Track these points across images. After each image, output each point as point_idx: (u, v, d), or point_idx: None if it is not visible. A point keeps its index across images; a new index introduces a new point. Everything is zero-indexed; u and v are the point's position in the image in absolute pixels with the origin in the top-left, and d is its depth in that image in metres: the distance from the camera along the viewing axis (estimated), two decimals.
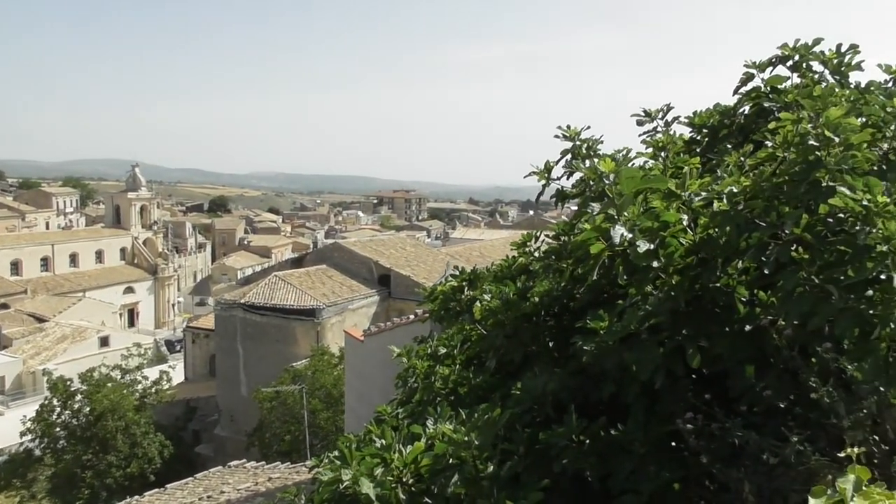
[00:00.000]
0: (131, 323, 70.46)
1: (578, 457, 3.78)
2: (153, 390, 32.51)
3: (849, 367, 3.10)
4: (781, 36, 5.67)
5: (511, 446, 4.12)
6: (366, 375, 14.42)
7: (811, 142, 3.44)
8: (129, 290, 72.04)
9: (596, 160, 4.05)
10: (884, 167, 4.23)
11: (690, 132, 5.73)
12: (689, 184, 3.89)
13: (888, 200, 3.10)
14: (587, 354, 4.26)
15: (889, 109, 4.25)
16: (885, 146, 4.31)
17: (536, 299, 5.06)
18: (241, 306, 33.31)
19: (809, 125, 3.53)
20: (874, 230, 3.01)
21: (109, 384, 30.73)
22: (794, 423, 3.36)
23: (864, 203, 3.08)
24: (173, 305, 76.09)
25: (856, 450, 1.68)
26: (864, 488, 1.49)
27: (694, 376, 3.84)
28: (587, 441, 3.82)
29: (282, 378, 27.54)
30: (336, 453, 3.50)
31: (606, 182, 3.66)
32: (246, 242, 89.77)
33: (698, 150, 5.47)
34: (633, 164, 5.25)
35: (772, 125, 3.89)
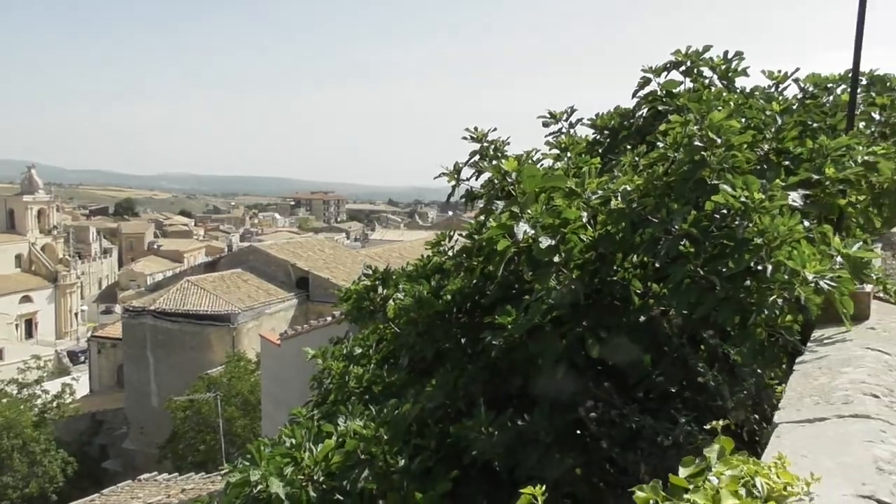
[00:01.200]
0: (29, 334, 66.49)
1: (487, 448, 3.90)
2: (54, 404, 30.83)
3: (731, 351, 3.34)
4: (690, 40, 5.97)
5: (423, 441, 4.20)
6: (283, 380, 14.19)
7: (696, 143, 3.67)
8: (27, 298, 67.95)
9: (502, 161, 4.17)
10: (764, 166, 4.55)
11: (593, 133, 5.97)
12: (588, 183, 4.07)
13: (763, 197, 3.36)
14: (496, 349, 4.39)
15: (768, 112, 4.57)
16: (766, 147, 4.64)
17: (449, 297, 5.16)
18: (150, 313, 32.06)
19: (695, 127, 3.77)
20: (751, 225, 3.25)
21: (4, 400, 28.96)
22: (685, 407, 3.59)
23: (743, 200, 3.32)
24: (76, 314, 72.32)
25: (721, 422, 1.82)
26: (727, 456, 1.63)
27: (600, 368, 4.04)
28: (496, 433, 3.94)
29: (196, 386, 26.68)
30: (248, 456, 3.48)
31: (509, 181, 3.78)
32: (156, 247, 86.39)
33: (600, 150, 5.72)
34: (543, 164, 5.45)
35: (662, 127, 4.12)
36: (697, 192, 3.64)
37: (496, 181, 3.95)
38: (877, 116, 5.96)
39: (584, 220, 3.91)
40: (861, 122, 5.93)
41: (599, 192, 3.81)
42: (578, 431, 4.00)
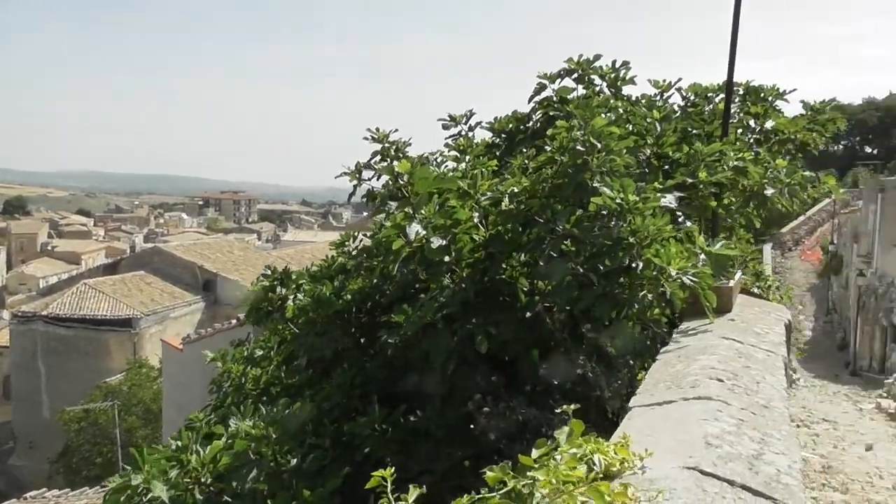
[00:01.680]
0: None
1: (380, 445, 3.97)
2: None
3: (607, 344, 3.55)
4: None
5: (319, 440, 4.23)
6: (186, 385, 13.77)
7: (579, 147, 3.87)
8: None
9: (396, 162, 4.25)
10: (646, 170, 4.83)
11: (492, 137, 6.14)
12: (480, 184, 4.21)
13: (637, 199, 3.58)
14: (391, 347, 4.46)
15: (649, 120, 4.85)
16: (648, 151, 4.93)
17: (349, 297, 5.19)
18: (42, 319, 30.21)
19: (579, 133, 3.96)
20: (625, 225, 3.46)
21: None
22: (567, 398, 3.77)
23: (618, 201, 3.53)
24: None
25: (571, 406, 1.96)
26: (573, 438, 1.77)
27: (491, 363, 4.17)
28: (389, 429, 4.02)
29: (92, 395, 25.36)
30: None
31: (402, 182, 3.87)
32: (50, 248, 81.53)
33: (498, 153, 5.89)
34: (446, 165, 5.56)
35: (550, 132, 4.31)
36: (579, 194, 3.83)
37: (390, 182, 4.03)
38: (752, 124, 6.41)
39: (476, 220, 4.04)
40: (738, 129, 6.37)
41: (489, 193, 3.94)
42: (472, 426, 4.13)
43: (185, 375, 13.75)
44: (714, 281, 3.27)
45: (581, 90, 5.75)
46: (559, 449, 1.70)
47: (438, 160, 5.56)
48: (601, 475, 1.63)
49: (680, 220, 5.58)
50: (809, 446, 7.92)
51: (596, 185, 3.79)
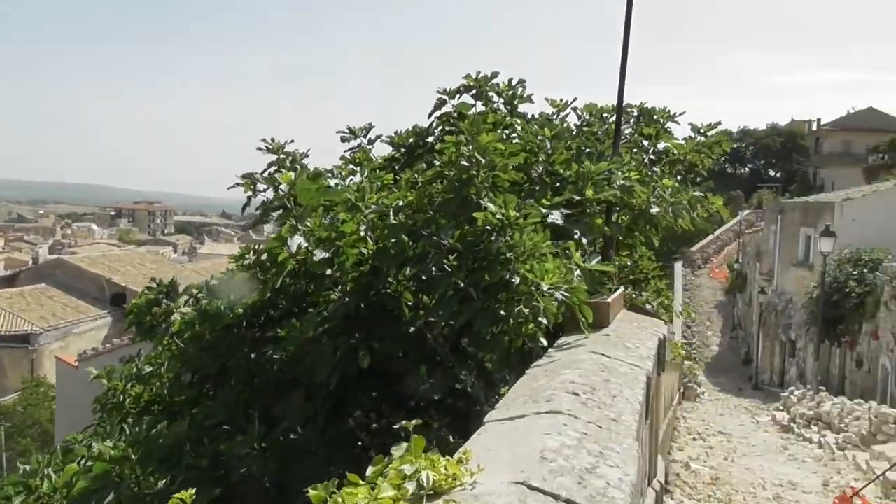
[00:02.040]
0: None
1: (259, 464, 3.84)
2: None
3: (486, 359, 3.56)
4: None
5: (197, 460, 4.06)
6: (82, 405, 13.06)
7: (464, 162, 3.89)
8: None
9: (278, 174, 4.16)
10: (536, 186, 4.91)
11: (392, 150, 6.12)
12: (368, 197, 4.17)
13: (518, 215, 3.62)
14: (278, 362, 4.34)
15: (540, 137, 4.93)
16: (541, 168, 5.01)
17: (241, 310, 5.03)
18: None
19: (465, 148, 3.99)
20: (505, 240, 3.49)
21: None
22: (449, 413, 3.76)
23: (499, 217, 3.56)
24: None
25: (413, 422, 1.94)
26: (405, 454, 1.74)
27: (377, 377, 4.11)
28: (269, 448, 3.90)
29: None
30: None
31: (282, 193, 3.79)
32: None
33: (397, 167, 5.87)
34: (352, 179, 5.49)
35: (438, 146, 4.32)
36: (464, 209, 3.85)
37: (277, 194, 3.94)
38: (646, 144, 6.64)
39: (363, 233, 4.00)
40: (633, 149, 6.58)
41: (373, 206, 3.91)
42: (360, 443, 4.05)
43: (80, 394, 13.03)
44: (586, 296, 3.33)
45: (480, 106, 5.81)
46: (390, 466, 1.66)
47: (343, 173, 5.50)
48: (429, 492, 1.60)
49: (576, 236, 5.70)
50: (702, 458, 8.21)
51: (481, 200, 3.82)
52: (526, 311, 3.35)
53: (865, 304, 19.60)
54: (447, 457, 1.83)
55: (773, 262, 29.17)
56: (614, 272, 4.18)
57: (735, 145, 63.14)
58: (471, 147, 3.96)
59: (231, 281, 5.85)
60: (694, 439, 9.66)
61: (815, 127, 59.71)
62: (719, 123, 6.32)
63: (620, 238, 7.12)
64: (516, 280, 3.36)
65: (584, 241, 5.65)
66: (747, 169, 63.30)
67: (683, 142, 6.37)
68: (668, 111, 6.38)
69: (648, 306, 7.06)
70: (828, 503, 6.14)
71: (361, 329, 3.86)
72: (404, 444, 1.80)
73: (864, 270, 19.82)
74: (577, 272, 3.47)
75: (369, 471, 1.73)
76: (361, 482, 1.63)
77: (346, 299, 3.83)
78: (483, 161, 3.88)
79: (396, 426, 3.16)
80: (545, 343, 3.50)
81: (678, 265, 42.67)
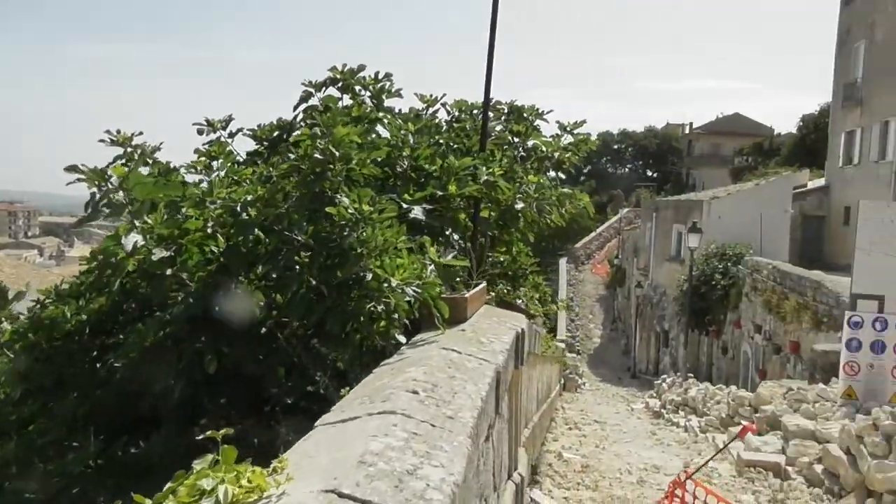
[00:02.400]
0: None
1: (95, 483, 3.54)
2: None
3: (338, 358, 3.43)
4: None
5: (22, 484, 3.70)
6: None
7: (318, 155, 3.74)
8: None
9: (110, 167, 3.84)
10: (399, 182, 4.83)
11: (256, 144, 5.87)
12: (217, 192, 3.93)
13: (372, 209, 3.51)
14: (120, 371, 4.03)
15: (403, 131, 4.86)
16: (406, 163, 4.93)
17: (84, 316, 4.64)
18: None
19: (320, 141, 3.84)
20: (357, 235, 3.37)
21: None
22: (306, 416, 3.59)
23: (352, 212, 3.44)
24: None
25: (220, 432, 1.80)
26: (205, 468, 1.60)
27: (231, 382, 3.88)
28: (106, 464, 3.60)
29: None
30: None
31: (112, 186, 3.50)
32: None
33: (260, 161, 5.63)
34: (217, 175, 5.18)
35: (292, 138, 4.15)
36: (317, 204, 3.70)
37: (103, 188, 3.63)
38: (516, 141, 6.72)
39: (210, 230, 3.77)
40: (504, 145, 6.64)
41: (219, 201, 3.68)
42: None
43: None
44: (439, 292, 3.27)
45: (348, 100, 5.67)
46: (184, 482, 1.51)
47: (198, 168, 5.19)
48: None
49: (448, 233, 5.66)
50: (575, 447, 8.45)
51: (335, 195, 3.69)
52: (379, 307, 3.26)
53: (729, 295, 20.99)
54: (258, 468, 1.71)
55: (649, 258, 30.72)
56: (472, 267, 4.16)
57: (616, 146, 66.36)
58: (326, 140, 3.82)
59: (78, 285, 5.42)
60: (570, 429, 9.94)
61: (687, 130, 63.49)
62: (584, 122, 6.48)
63: (495, 235, 7.21)
64: (369, 276, 3.26)
65: (456, 236, 5.65)
66: (627, 169, 66.44)
67: (551, 139, 6.49)
68: (538, 109, 6.48)
69: (520, 301, 7.18)
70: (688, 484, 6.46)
71: (209, 332, 3.63)
72: (209, 456, 1.65)
73: (729, 264, 21.21)
74: (432, 267, 3.41)
75: (167, 485, 1.57)
76: (143, 500, 1.47)
77: (191, 300, 3.59)
78: (338, 154, 3.74)
79: (280, 434, 2.99)
80: (404, 340, 3.42)
81: (563, 261, 44.17)
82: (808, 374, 11.07)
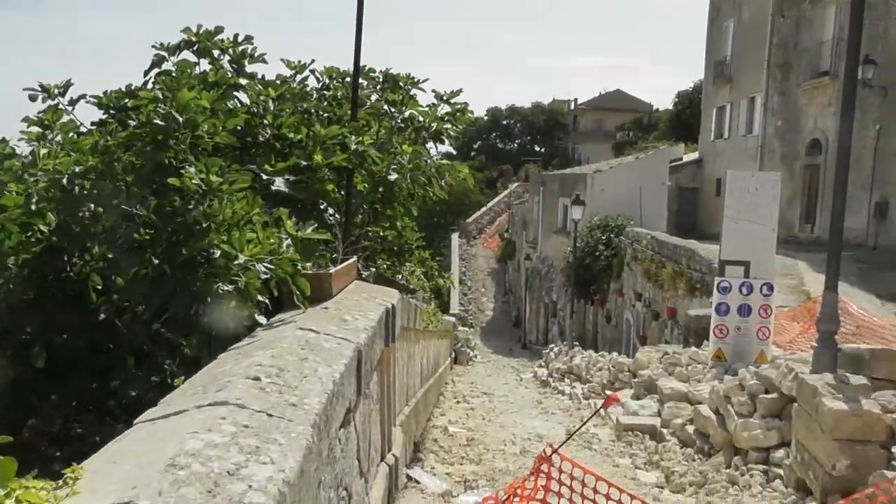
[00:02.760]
0: None
1: None
2: None
3: (185, 344, 3.13)
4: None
5: None
6: None
7: (159, 122, 3.37)
8: None
9: None
10: (260, 151, 4.50)
11: (102, 113, 5.34)
12: (42, 163, 3.49)
13: (220, 180, 3.20)
14: None
15: (263, 97, 4.53)
16: (268, 132, 4.60)
17: None
18: None
19: (162, 105, 3.47)
20: (203, 208, 3.06)
21: None
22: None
23: (196, 182, 3.12)
24: None
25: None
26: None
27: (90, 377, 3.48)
28: None
29: None
30: None
31: None
32: None
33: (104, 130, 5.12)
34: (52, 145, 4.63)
35: (131, 103, 3.74)
36: (160, 175, 3.34)
37: None
38: (392, 111, 6.49)
39: (34, 206, 3.33)
40: (381, 115, 6.40)
41: (41, 174, 3.26)
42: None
43: None
44: (292, 268, 3.02)
45: (206, 65, 5.24)
46: None
47: (28, 139, 4.63)
48: None
49: (322, 206, 5.36)
50: (462, 420, 8.43)
51: (180, 165, 3.34)
52: (229, 287, 2.97)
53: (612, 265, 21.81)
54: (39, 482, 1.44)
55: (537, 231, 31.44)
56: (338, 241, 3.93)
57: (505, 122, 67.35)
58: (168, 105, 3.46)
59: None
60: (458, 402, 9.94)
61: (573, 106, 65.33)
62: (461, 91, 6.33)
63: (377, 209, 6.97)
64: (217, 253, 2.96)
65: (331, 211, 5.38)
66: (516, 144, 67.59)
67: (427, 109, 6.31)
68: (413, 78, 6.27)
69: (400, 277, 7.01)
70: (568, 452, 6.56)
71: (37, 320, 3.22)
72: None
73: (611, 235, 22.00)
74: (288, 241, 3.15)
75: None
76: None
77: (11, 286, 3.16)
78: (182, 120, 3.39)
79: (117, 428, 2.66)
80: (264, 321, 3.16)
81: (455, 236, 44.56)
82: (683, 339, 11.62)
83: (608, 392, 9.12)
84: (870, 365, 4.98)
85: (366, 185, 5.38)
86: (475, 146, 64.83)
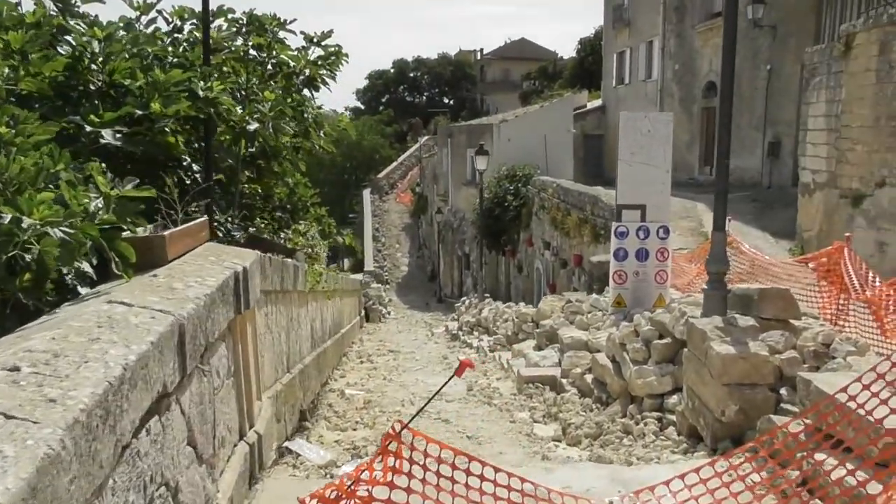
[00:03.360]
0: None
1: None
2: None
3: None
4: None
5: None
6: None
7: None
8: None
9: None
10: (93, 101, 3.94)
11: None
12: None
13: (11, 131, 2.69)
14: None
15: (86, 38, 3.94)
16: (98, 79, 4.03)
17: None
18: None
19: None
20: None
21: None
22: None
23: None
24: None
25: None
26: None
27: None
28: None
29: None
30: None
31: None
32: None
33: None
34: None
35: None
36: None
37: None
38: (259, 55, 5.94)
39: None
40: (245, 59, 5.84)
41: None
42: None
43: None
44: (95, 231, 2.57)
45: (31, 4, 4.56)
46: None
47: None
48: None
49: (186, 163, 4.84)
50: (362, 382, 8.15)
51: None
52: (26, 257, 2.50)
53: (521, 215, 21.85)
54: None
55: (447, 183, 31.18)
56: (174, 200, 3.46)
57: (412, 75, 66.23)
58: None
59: None
60: (362, 362, 9.66)
61: (479, 56, 64.81)
62: (332, 32, 5.84)
63: (260, 165, 6.49)
64: (6, 219, 2.47)
65: (196, 168, 4.86)
66: (425, 97, 66.73)
67: (297, 53, 5.81)
68: (280, 18, 5.73)
69: (284, 236, 6.56)
70: (467, 408, 6.40)
71: None
72: None
73: (519, 185, 21.97)
74: (100, 201, 2.68)
75: None
76: None
77: None
78: None
79: None
80: (83, 291, 2.70)
81: (366, 192, 43.80)
82: (587, 286, 11.68)
83: (460, 359, 9.02)
84: (758, 305, 4.96)
85: (226, 137, 4.89)
86: (383, 100, 63.66)
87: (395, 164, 49.23)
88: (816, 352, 4.55)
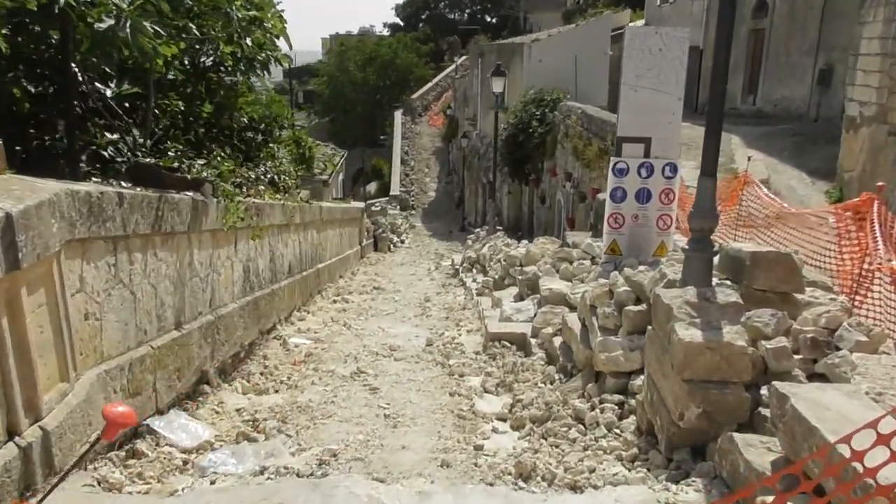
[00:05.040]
0: None
1: None
2: None
3: None
4: None
5: None
6: None
7: None
8: None
9: None
10: None
11: None
12: None
13: None
14: None
15: None
16: None
17: None
18: None
19: None
20: None
21: None
22: None
23: None
24: None
25: None
26: None
27: None
28: None
29: None
30: None
31: None
32: None
33: None
34: None
35: None
36: None
37: None
38: None
39: None
40: None
41: None
42: None
43: None
44: None
45: None
46: None
47: None
48: None
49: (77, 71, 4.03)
50: (317, 328, 7.36)
51: None
52: None
53: (546, 143, 20.49)
54: None
55: (476, 107, 29.67)
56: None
57: None
58: None
59: None
60: (335, 302, 8.88)
61: None
62: None
63: (186, 78, 5.64)
64: None
65: (85, 78, 4.00)
66: (466, 14, 63.78)
67: None
68: None
69: (199, 165, 5.64)
70: (413, 370, 5.55)
71: None
72: None
73: (546, 110, 20.51)
74: None
75: None
76: None
77: None
78: None
79: None
80: None
81: (398, 113, 42.39)
82: (592, 226, 10.60)
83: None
84: (750, 273, 3.93)
85: (84, 38, 3.94)
86: (423, 17, 61.12)
87: (429, 84, 47.47)
88: (816, 340, 3.54)
